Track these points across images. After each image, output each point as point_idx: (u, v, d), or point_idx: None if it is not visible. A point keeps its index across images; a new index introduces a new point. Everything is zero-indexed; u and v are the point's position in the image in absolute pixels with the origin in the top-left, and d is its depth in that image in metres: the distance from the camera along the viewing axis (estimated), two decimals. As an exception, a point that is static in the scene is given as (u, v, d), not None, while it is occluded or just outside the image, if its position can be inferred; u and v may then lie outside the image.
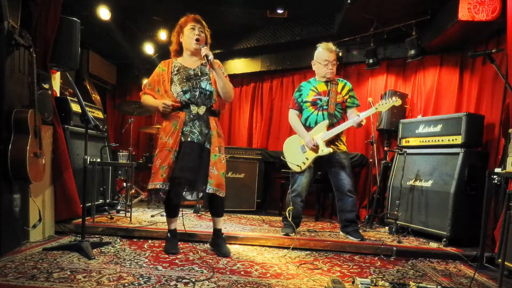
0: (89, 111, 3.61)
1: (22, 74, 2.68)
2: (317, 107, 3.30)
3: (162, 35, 5.09)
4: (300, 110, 3.41)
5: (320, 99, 3.29)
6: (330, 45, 3.33)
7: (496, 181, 2.66)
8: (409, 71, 4.61)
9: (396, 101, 3.11)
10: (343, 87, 3.35)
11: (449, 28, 3.52)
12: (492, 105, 3.49)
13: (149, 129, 5.36)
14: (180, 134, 2.57)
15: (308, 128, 3.31)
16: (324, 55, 3.30)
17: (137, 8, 4.66)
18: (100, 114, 4.11)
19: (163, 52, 5.64)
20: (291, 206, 3.28)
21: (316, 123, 3.27)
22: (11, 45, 2.54)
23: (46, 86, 2.97)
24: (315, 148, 3.19)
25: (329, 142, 3.23)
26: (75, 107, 3.51)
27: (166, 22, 4.93)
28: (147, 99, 2.70)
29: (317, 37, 4.76)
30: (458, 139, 3.24)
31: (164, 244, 2.79)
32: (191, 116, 2.60)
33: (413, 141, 3.73)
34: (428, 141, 3.54)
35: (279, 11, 4.50)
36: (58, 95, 3.59)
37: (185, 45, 2.69)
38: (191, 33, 2.63)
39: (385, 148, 4.47)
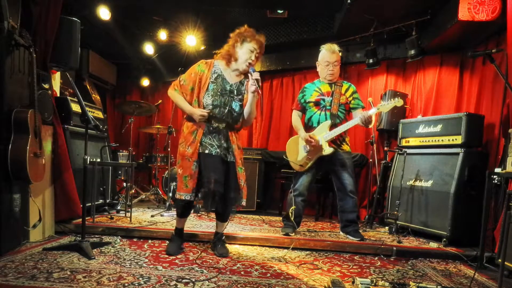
0: (89, 111, 3.61)
1: (22, 74, 2.68)
2: (320, 107, 3.30)
3: (162, 35, 5.08)
4: (303, 111, 3.42)
5: (323, 99, 3.30)
6: (334, 46, 3.32)
7: (496, 181, 2.66)
8: (409, 71, 4.60)
9: (398, 102, 3.12)
10: (347, 89, 3.35)
11: (449, 28, 3.52)
12: (492, 105, 3.49)
13: (149, 129, 5.36)
14: (199, 145, 2.56)
15: (311, 127, 3.31)
16: (325, 56, 3.30)
17: (137, 8, 4.66)
18: (100, 114, 4.11)
19: (163, 52, 5.66)
20: (293, 206, 3.28)
21: (318, 123, 3.27)
22: (11, 45, 2.54)
23: (46, 86, 2.97)
24: (314, 144, 3.19)
25: (332, 142, 3.23)
26: (75, 107, 3.51)
27: (166, 22, 4.93)
28: (179, 99, 2.61)
29: (317, 37, 4.77)
30: (458, 139, 3.24)
31: (167, 244, 2.80)
32: (211, 128, 2.58)
33: (413, 141, 3.73)
34: (428, 141, 3.54)
35: (279, 11, 4.49)
36: (58, 95, 3.59)
37: (236, 58, 2.57)
38: (248, 54, 2.53)
39: (385, 148, 4.46)
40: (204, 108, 2.56)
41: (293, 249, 2.97)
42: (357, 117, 3.21)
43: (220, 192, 2.50)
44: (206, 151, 2.55)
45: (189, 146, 2.57)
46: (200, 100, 2.57)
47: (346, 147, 3.32)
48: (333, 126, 3.22)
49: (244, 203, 2.66)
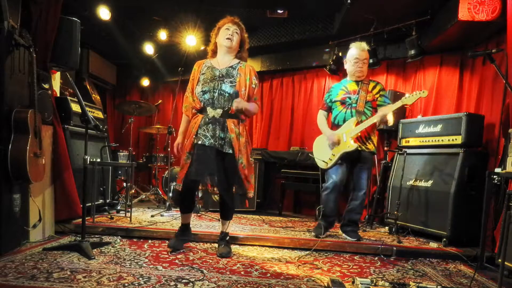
0: (89, 111, 3.61)
1: (22, 74, 2.68)
2: (346, 105, 3.29)
3: (162, 35, 5.08)
4: (329, 110, 3.43)
5: (350, 98, 3.29)
6: (363, 44, 3.34)
7: (496, 181, 2.65)
8: (409, 71, 4.61)
9: (423, 93, 3.08)
10: (374, 87, 3.33)
11: (449, 28, 3.52)
12: (492, 105, 3.49)
13: (149, 129, 5.36)
14: (194, 136, 2.59)
15: (337, 126, 3.31)
16: (355, 53, 3.30)
17: (137, 8, 4.66)
18: (100, 114, 4.11)
19: (163, 52, 5.66)
20: (322, 205, 3.29)
21: (344, 121, 3.27)
22: (11, 45, 2.54)
23: (46, 86, 2.97)
24: (337, 142, 3.21)
25: (357, 139, 3.21)
26: (75, 107, 3.51)
27: (166, 22, 4.93)
28: (182, 121, 2.83)
29: (317, 37, 4.77)
30: (458, 139, 3.24)
31: (171, 239, 2.82)
32: (207, 119, 2.60)
33: (413, 141, 3.73)
34: (428, 141, 3.54)
35: (279, 11, 4.49)
36: (58, 95, 3.59)
37: (218, 43, 2.72)
38: (224, 32, 2.66)
39: (385, 148, 4.46)
40: (196, 97, 2.64)
41: (293, 249, 2.98)
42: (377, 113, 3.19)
43: (208, 183, 2.59)
44: (200, 142, 2.57)
45: (187, 139, 2.65)
46: (194, 92, 2.66)
47: (371, 147, 3.28)
48: (358, 123, 3.21)
49: (251, 194, 2.68)
